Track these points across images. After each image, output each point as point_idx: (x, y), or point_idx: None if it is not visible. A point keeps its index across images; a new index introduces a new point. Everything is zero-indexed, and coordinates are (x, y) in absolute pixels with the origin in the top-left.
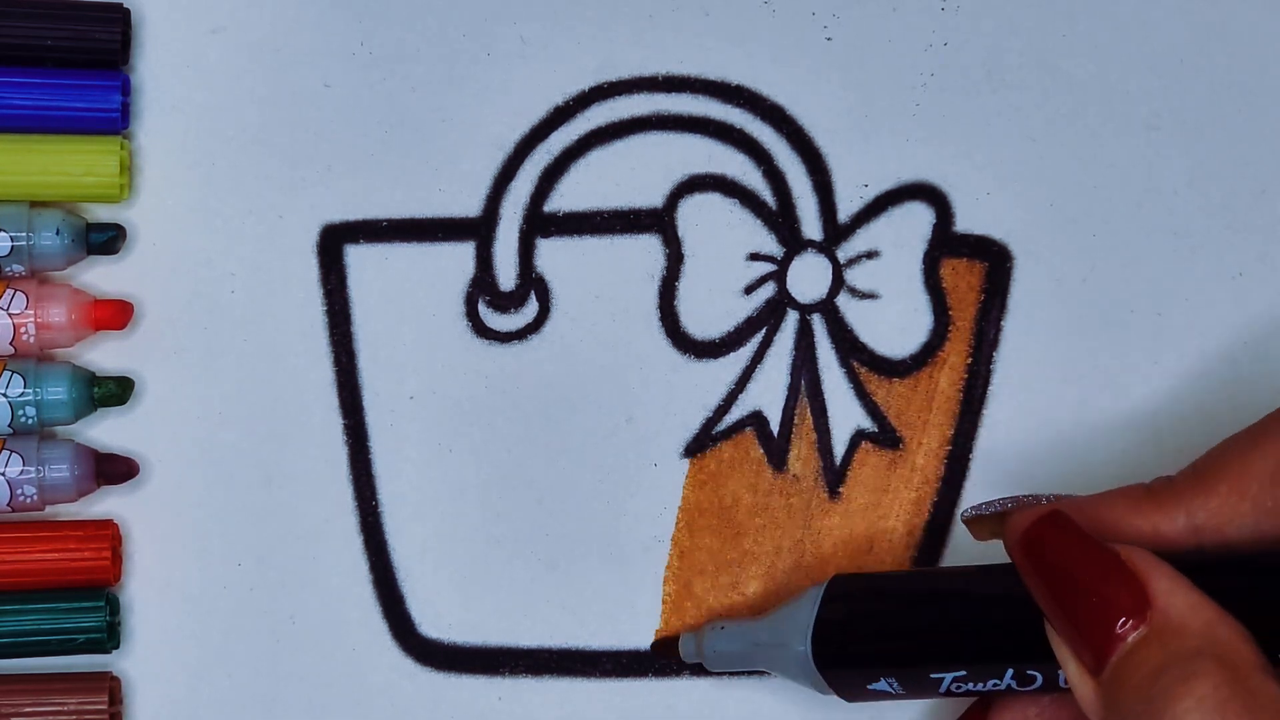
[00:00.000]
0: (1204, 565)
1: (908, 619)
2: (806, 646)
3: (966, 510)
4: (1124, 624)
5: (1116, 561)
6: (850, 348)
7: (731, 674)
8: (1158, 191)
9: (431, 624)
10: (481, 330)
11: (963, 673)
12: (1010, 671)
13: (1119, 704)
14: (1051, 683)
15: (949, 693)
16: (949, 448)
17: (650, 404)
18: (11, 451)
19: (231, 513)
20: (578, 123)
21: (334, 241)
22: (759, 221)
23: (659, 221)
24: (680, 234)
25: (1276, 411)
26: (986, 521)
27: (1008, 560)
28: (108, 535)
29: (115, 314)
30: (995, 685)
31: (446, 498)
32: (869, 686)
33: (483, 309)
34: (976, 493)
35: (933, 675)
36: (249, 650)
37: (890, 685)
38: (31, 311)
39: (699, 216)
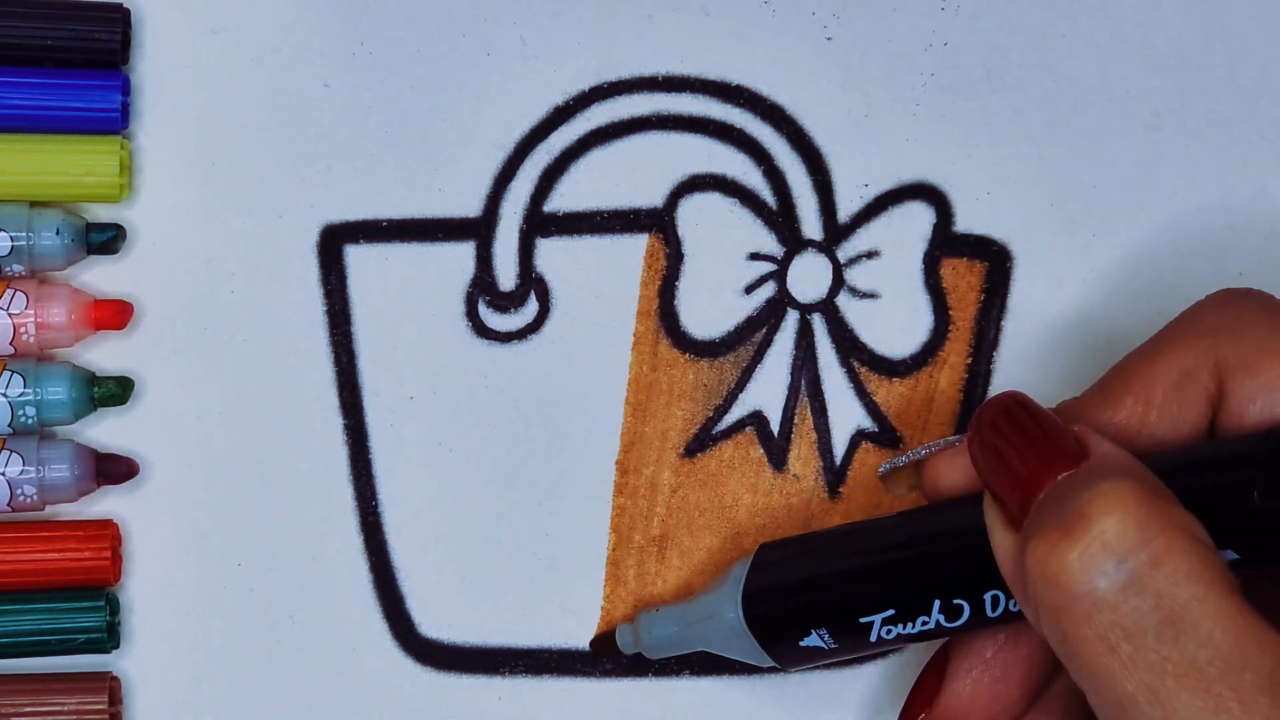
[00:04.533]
0: None
1: (831, 569)
2: (738, 612)
3: (882, 466)
4: (1057, 467)
5: (1054, 421)
6: (850, 347)
7: (714, 674)
8: (1158, 191)
9: (431, 624)
10: (481, 330)
11: (890, 612)
12: (937, 604)
13: (1033, 525)
14: (979, 612)
15: (880, 641)
16: None
17: (650, 404)
18: (11, 451)
19: (231, 513)
20: (578, 123)
21: (334, 241)
22: (759, 221)
23: (659, 221)
24: (680, 234)
25: (1175, 321)
26: (903, 473)
27: (922, 507)
28: (108, 535)
29: (115, 314)
30: (925, 624)
31: (446, 498)
32: (802, 643)
33: (483, 309)
34: None
35: (862, 620)
36: (249, 650)
37: (823, 639)
38: (31, 311)
39: (699, 216)
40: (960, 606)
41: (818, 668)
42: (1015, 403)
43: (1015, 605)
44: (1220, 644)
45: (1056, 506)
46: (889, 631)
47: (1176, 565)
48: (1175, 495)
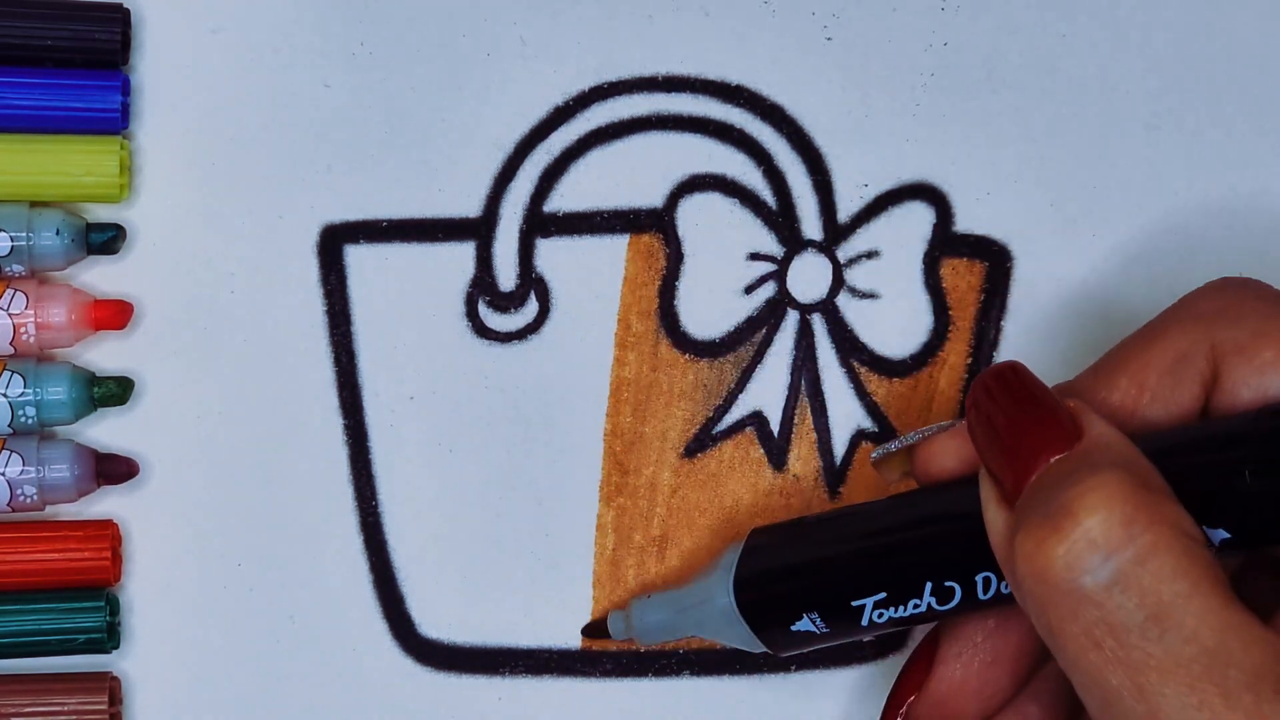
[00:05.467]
0: None
1: (823, 553)
2: (730, 597)
3: (875, 452)
4: (1052, 449)
5: (1052, 399)
6: (850, 347)
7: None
8: (1158, 191)
9: (431, 624)
10: (481, 330)
11: (882, 595)
12: (929, 586)
13: (1024, 513)
14: (970, 594)
15: (872, 625)
16: None
17: (650, 404)
18: (11, 451)
19: (231, 513)
20: (578, 123)
21: (334, 241)
22: (759, 221)
23: (659, 221)
24: (680, 234)
25: (1172, 307)
26: (895, 459)
27: (915, 490)
28: (108, 535)
29: (115, 314)
30: (916, 607)
31: (446, 498)
32: (793, 628)
33: (483, 309)
34: None
35: (853, 604)
36: (249, 650)
37: (814, 623)
38: (31, 311)
39: (699, 216)
40: (952, 589)
41: (797, 663)
42: (1012, 372)
43: (1007, 587)
44: (1205, 641)
45: (1045, 497)
46: (880, 615)
47: (1162, 562)
48: (1168, 476)
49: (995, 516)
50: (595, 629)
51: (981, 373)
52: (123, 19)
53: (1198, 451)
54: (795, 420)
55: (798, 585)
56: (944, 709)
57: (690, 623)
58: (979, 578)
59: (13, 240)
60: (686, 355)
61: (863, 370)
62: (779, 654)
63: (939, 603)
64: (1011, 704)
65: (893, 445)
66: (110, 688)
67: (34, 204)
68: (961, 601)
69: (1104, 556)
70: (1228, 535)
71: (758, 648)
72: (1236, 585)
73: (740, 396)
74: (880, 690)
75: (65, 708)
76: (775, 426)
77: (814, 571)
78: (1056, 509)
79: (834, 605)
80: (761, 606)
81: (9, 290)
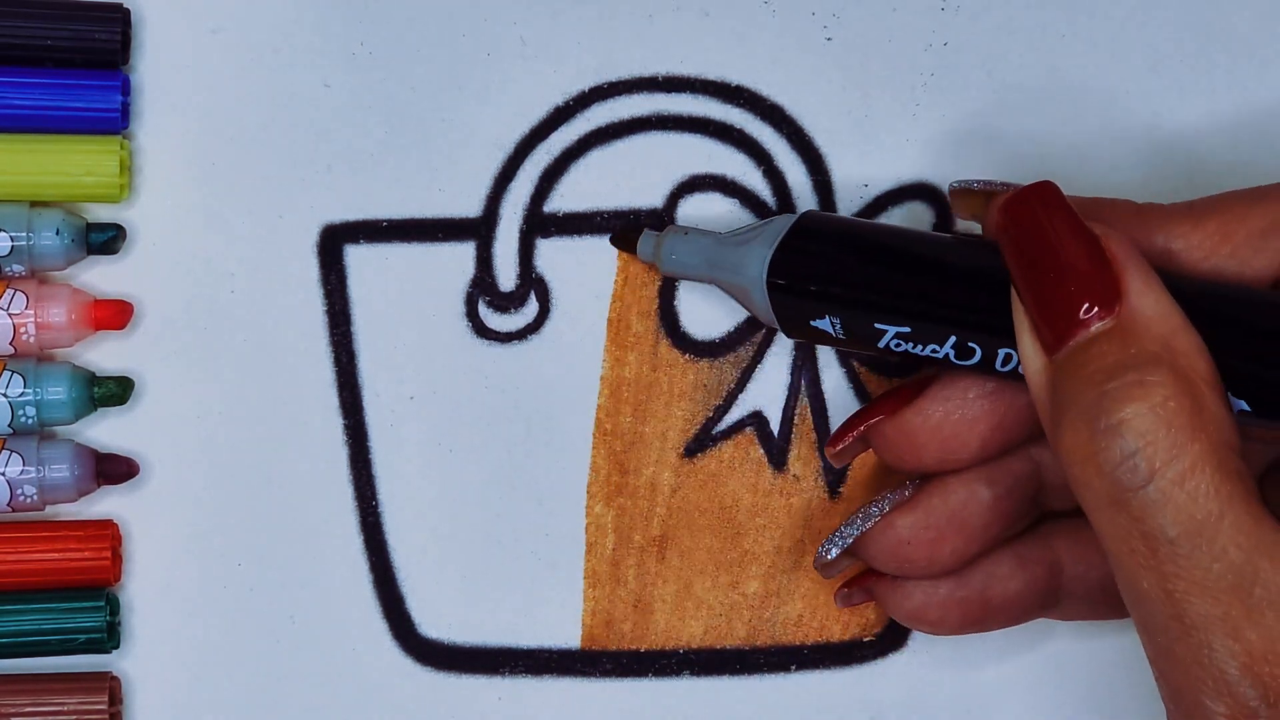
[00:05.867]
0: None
1: (867, 263)
2: (762, 273)
3: (955, 182)
4: (1089, 310)
5: (1096, 245)
6: None
7: (714, 674)
8: (1158, 192)
9: (431, 624)
10: (481, 330)
11: (906, 329)
12: (953, 339)
13: (1068, 390)
14: (989, 362)
15: (887, 350)
16: None
17: (650, 404)
18: (11, 451)
19: (231, 513)
20: (578, 123)
21: (334, 241)
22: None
23: (659, 221)
24: None
25: None
26: (972, 198)
27: (975, 237)
28: (108, 535)
29: (115, 314)
30: (935, 352)
31: (446, 498)
32: (813, 323)
33: (483, 309)
34: None
35: (877, 325)
36: (249, 650)
37: (833, 326)
38: (31, 311)
39: (699, 216)
40: (973, 350)
41: (810, 655)
42: (1053, 196)
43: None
44: (1234, 559)
45: (1088, 387)
46: (898, 345)
47: (1199, 482)
48: (1213, 333)
49: (1032, 356)
50: (623, 239)
51: (1014, 193)
52: (123, 19)
53: (1248, 320)
54: (795, 420)
55: (831, 287)
56: (907, 440)
57: (716, 277)
58: (1002, 352)
59: (13, 240)
60: (686, 355)
61: (863, 370)
62: (789, 336)
63: (957, 356)
64: (966, 474)
65: (974, 183)
66: (110, 688)
67: (34, 204)
68: (978, 364)
69: (1146, 477)
70: (1247, 408)
71: (772, 324)
72: (1263, 486)
73: (740, 396)
74: (881, 690)
75: (65, 708)
76: (775, 426)
77: (850, 282)
78: (1101, 413)
79: (858, 321)
80: (790, 294)
81: (9, 290)
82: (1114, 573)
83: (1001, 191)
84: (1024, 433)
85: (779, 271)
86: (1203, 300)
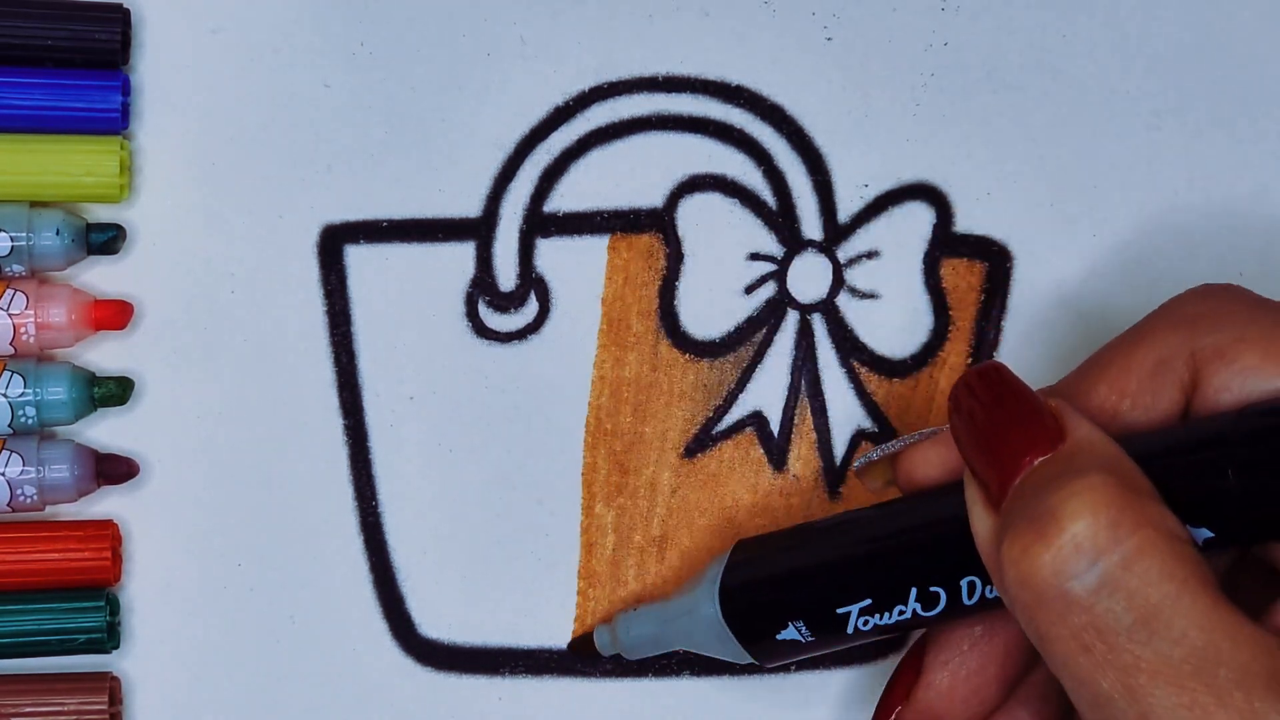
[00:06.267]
0: None
1: (807, 561)
2: (715, 608)
3: (858, 461)
4: (1035, 451)
5: (1036, 400)
6: (850, 348)
7: (714, 674)
8: (1158, 191)
9: (431, 624)
10: (481, 330)
11: (867, 602)
12: (914, 592)
13: (1009, 518)
14: (955, 600)
15: (858, 633)
16: None
17: (650, 404)
18: (11, 451)
19: (231, 513)
20: (578, 123)
21: (334, 241)
22: (759, 221)
23: (659, 221)
24: (680, 234)
25: (1154, 312)
26: (878, 468)
27: (899, 498)
28: (108, 535)
29: (115, 314)
30: (902, 613)
31: (446, 498)
32: (779, 637)
33: (483, 309)
34: None
35: (839, 611)
36: (249, 650)
37: (800, 632)
38: (31, 311)
39: (699, 216)
40: (937, 595)
41: (796, 665)
42: (995, 371)
43: (992, 592)
44: (1194, 641)
45: (1031, 501)
46: (866, 623)
47: (1149, 565)
48: (1151, 477)
49: (981, 520)
50: (581, 644)
51: (964, 373)
52: (123, 19)
53: (1181, 453)
54: (795, 420)
55: (782, 594)
56: (932, 717)
57: (676, 635)
58: (964, 582)
59: (13, 240)
60: (686, 355)
61: (863, 370)
62: (765, 664)
63: (924, 609)
64: (1001, 709)
65: (875, 454)
66: (110, 688)
67: (34, 204)
68: (947, 607)
69: (1090, 561)
70: (1211, 534)
71: (744, 659)
72: (1225, 587)
73: (740, 396)
74: (877, 690)
75: (65, 708)
76: (775, 426)
77: (798, 580)
78: (1042, 514)
79: (819, 613)
80: (747, 616)
81: (9, 290)
82: (1068, 686)
83: (901, 449)
84: (1030, 651)
85: (730, 602)
86: (1134, 454)
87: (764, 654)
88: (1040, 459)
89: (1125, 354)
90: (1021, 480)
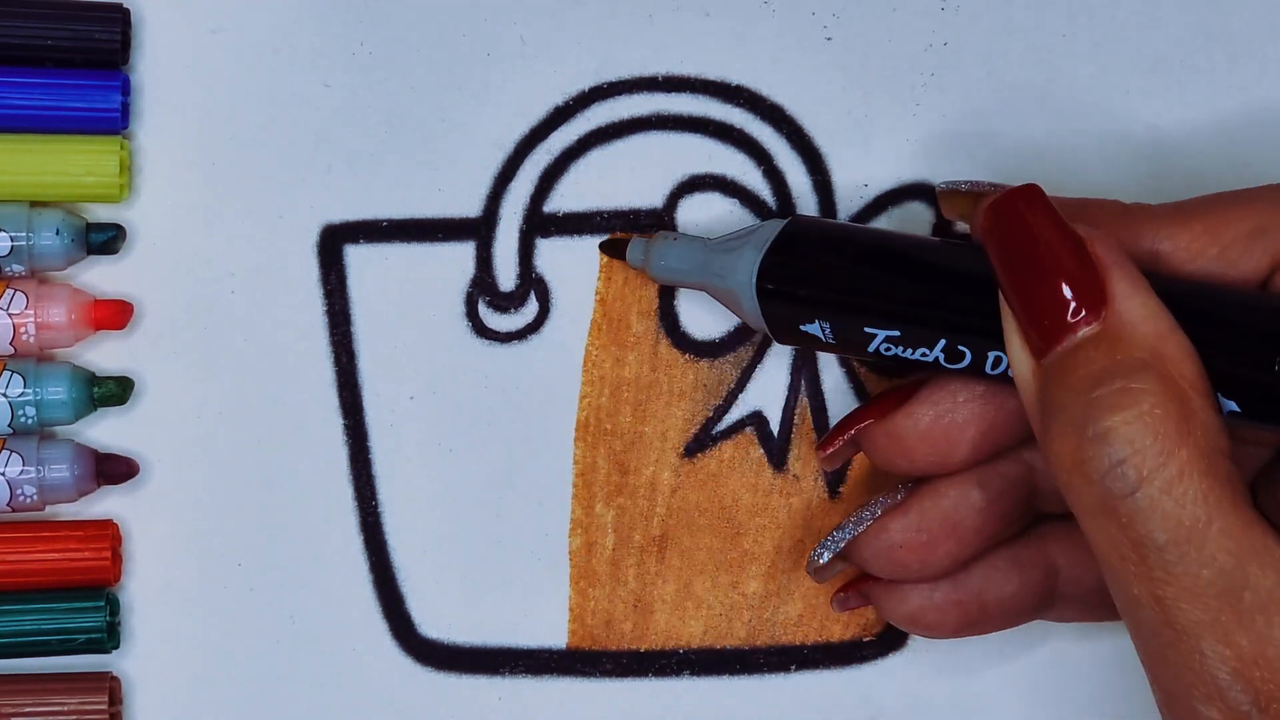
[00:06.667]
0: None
1: (856, 267)
2: (752, 277)
3: (942, 183)
4: (1077, 314)
5: (1081, 248)
6: None
7: (714, 674)
8: (1158, 192)
9: (431, 624)
10: (481, 330)
11: (896, 333)
12: (942, 343)
13: (1055, 397)
14: (978, 365)
15: (876, 354)
16: None
17: (650, 404)
18: (11, 451)
19: (231, 513)
20: (578, 123)
21: (334, 241)
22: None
23: (659, 221)
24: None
25: (1271, 185)
26: (959, 199)
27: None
28: (108, 535)
29: (115, 314)
30: (924, 356)
31: (446, 498)
32: (802, 327)
33: (483, 309)
34: None
35: (866, 330)
36: (249, 650)
37: (823, 331)
38: (31, 311)
39: (699, 216)
40: (963, 353)
41: (809, 655)
42: (1038, 198)
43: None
44: (1223, 564)
45: (1077, 393)
46: (888, 349)
47: (1186, 488)
48: (1201, 335)
49: (1020, 359)
50: (613, 246)
51: (998, 196)
52: (123, 19)
53: (1239, 321)
54: (795, 420)
55: (819, 292)
56: (897, 444)
57: (705, 283)
58: (992, 355)
59: (13, 240)
60: (686, 355)
61: (863, 370)
62: (779, 342)
63: (946, 360)
64: (957, 476)
65: (961, 184)
66: (110, 688)
67: (34, 204)
68: (968, 368)
69: (1134, 484)
70: (1237, 409)
71: (762, 330)
72: (1257, 489)
73: (740, 396)
74: (880, 691)
75: (65, 708)
76: (775, 426)
77: (840, 286)
78: (1088, 422)
79: (848, 325)
80: (779, 298)
81: (9, 290)
82: (1105, 578)
83: (989, 192)
84: (1015, 436)
85: (768, 276)
86: (1191, 302)
87: (782, 335)
88: (1085, 329)
89: (1230, 207)
90: (1066, 351)
